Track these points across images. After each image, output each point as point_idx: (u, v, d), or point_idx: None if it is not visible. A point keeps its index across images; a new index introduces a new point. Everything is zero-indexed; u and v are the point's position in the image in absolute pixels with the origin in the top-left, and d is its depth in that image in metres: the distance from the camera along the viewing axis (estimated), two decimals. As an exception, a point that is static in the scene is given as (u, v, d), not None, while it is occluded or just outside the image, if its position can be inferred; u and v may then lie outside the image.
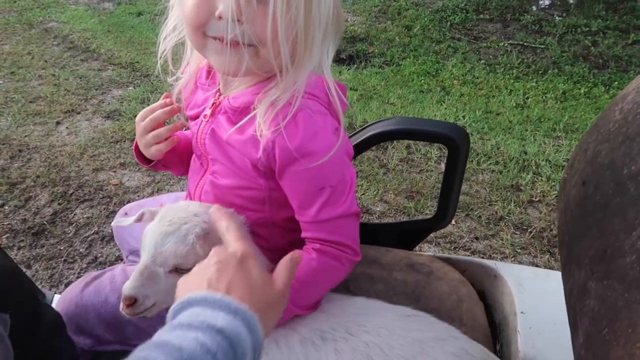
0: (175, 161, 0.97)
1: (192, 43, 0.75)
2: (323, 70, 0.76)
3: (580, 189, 0.62)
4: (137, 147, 0.92)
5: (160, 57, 0.83)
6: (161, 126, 0.87)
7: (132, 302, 0.71)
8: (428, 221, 1.14)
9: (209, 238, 0.72)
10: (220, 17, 0.66)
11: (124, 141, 2.72)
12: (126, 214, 1.08)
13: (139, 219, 0.80)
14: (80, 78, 3.53)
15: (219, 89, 0.83)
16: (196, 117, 0.86)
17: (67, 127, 2.88)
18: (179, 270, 0.72)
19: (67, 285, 1.74)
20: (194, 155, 0.90)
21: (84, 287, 0.94)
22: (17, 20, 4.74)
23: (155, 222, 0.74)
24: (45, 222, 2.10)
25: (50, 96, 3.21)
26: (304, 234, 0.80)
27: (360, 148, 1.05)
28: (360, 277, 0.94)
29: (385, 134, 1.03)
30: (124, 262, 1.13)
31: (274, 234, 0.86)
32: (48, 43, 4.20)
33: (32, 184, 2.35)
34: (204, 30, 0.70)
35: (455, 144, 0.99)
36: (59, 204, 2.22)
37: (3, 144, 2.65)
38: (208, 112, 0.82)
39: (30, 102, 3.14)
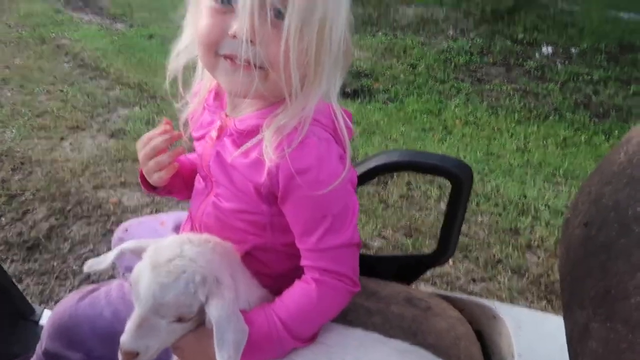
0: (180, 186, 0.96)
1: (203, 62, 0.76)
2: (331, 98, 0.77)
3: (583, 229, 0.62)
4: (142, 174, 0.91)
5: (169, 76, 0.82)
6: (163, 152, 0.85)
7: (133, 355, 0.69)
8: (427, 256, 1.13)
9: (208, 282, 0.71)
10: (234, 37, 0.67)
11: (127, 160, 2.72)
12: (126, 230, 1.08)
13: (118, 258, 0.78)
14: (88, 95, 3.57)
15: (225, 111, 0.84)
16: (202, 138, 0.86)
17: (70, 143, 2.89)
18: (181, 319, 0.71)
19: (57, 301, 1.72)
20: (197, 176, 0.90)
21: (79, 300, 0.93)
22: (30, 35, 4.83)
23: (147, 267, 0.70)
24: (40, 236, 2.09)
25: (56, 111, 3.24)
26: (303, 262, 0.79)
27: (363, 179, 1.05)
28: (359, 308, 0.93)
29: (389, 165, 1.03)
30: (118, 279, 1.12)
31: (274, 259, 0.85)
32: (59, 59, 4.27)
33: (31, 197, 2.34)
34: (216, 49, 0.70)
35: (459, 178, 0.99)
36: (56, 219, 2.21)
37: (6, 156, 2.66)
38: (214, 134, 0.82)
39: (37, 116, 3.17)
